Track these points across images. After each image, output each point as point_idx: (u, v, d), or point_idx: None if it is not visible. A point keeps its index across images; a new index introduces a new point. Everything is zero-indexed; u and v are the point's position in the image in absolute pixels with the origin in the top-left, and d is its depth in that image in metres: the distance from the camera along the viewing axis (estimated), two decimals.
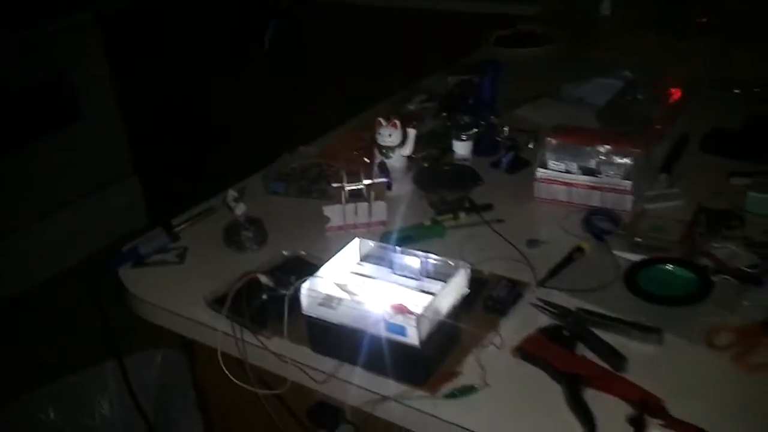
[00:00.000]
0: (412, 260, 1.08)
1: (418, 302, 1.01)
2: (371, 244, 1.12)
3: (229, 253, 1.32)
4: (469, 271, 1.04)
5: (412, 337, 0.94)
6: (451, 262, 1.05)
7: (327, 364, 1.03)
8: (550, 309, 1.09)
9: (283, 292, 1.14)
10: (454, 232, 1.33)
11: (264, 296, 1.14)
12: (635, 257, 1.18)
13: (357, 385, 1.00)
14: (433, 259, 1.07)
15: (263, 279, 1.14)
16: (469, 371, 0.99)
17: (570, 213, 1.34)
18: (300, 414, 1.16)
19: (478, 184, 1.39)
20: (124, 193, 3.36)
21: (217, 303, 1.15)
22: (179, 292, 1.23)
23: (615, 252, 1.20)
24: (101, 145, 3.24)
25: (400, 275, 1.09)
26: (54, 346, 2.51)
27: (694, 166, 1.49)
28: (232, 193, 1.43)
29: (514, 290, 1.13)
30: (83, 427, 1.91)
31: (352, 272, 1.11)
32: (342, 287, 1.05)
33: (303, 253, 1.27)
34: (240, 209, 1.41)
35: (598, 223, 1.29)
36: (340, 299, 1.02)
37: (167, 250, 1.33)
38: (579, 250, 1.22)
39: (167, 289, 1.24)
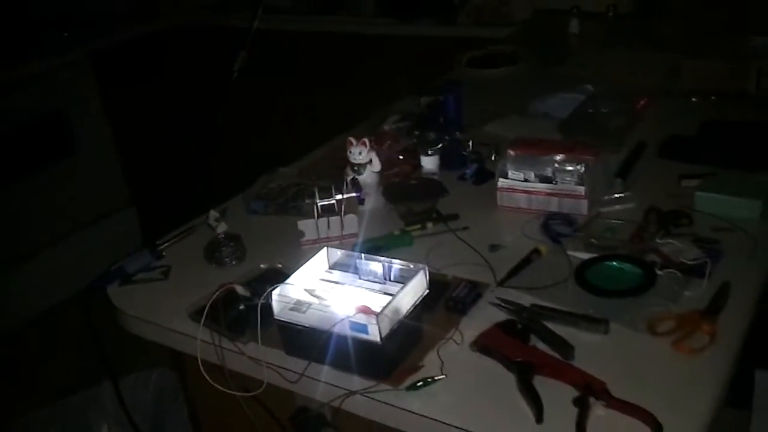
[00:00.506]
0: (376, 266, 1.16)
1: (381, 303, 1.09)
2: (339, 252, 1.20)
3: (211, 269, 1.40)
4: (427, 272, 1.12)
5: (374, 335, 1.02)
6: (411, 266, 1.13)
7: (299, 364, 1.10)
8: (507, 306, 1.16)
9: (261, 300, 1.23)
10: (422, 240, 1.41)
11: (242, 306, 1.22)
12: (587, 256, 1.26)
13: (326, 383, 1.07)
14: (394, 263, 1.15)
15: (239, 289, 1.22)
16: (430, 365, 1.07)
17: (530, 219, 1.43)
18: (284, 420, 1.23)
19: (443, 195, 1.47)
20: (121, 224, 3.45)
21: (197, 314, 1.23)
22: (164, 306, 1.31)
23: (569, 252, 1.28)
24: (98, 178, 3.34)
25: (365, 280, 1.17)
26: (57, 370, 2.58)
27: (650, 172, 1.58)
28: (213, 214, 1.52)
29: (474, 291, 1.20)
30: None
31: (321, 279, 1.18)
32: (311, 292, 1.13)
33: (279, 265, 1.35)
34: (221, 228, 1.50)
35: (556, 227, 1.37)
36: (309, 303, 1.10)
37: (152, 268, 1.41)
38: (536, 252, 1.30)
39: (152, 304, 1.32)
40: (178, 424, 1.98)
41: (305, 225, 1.42)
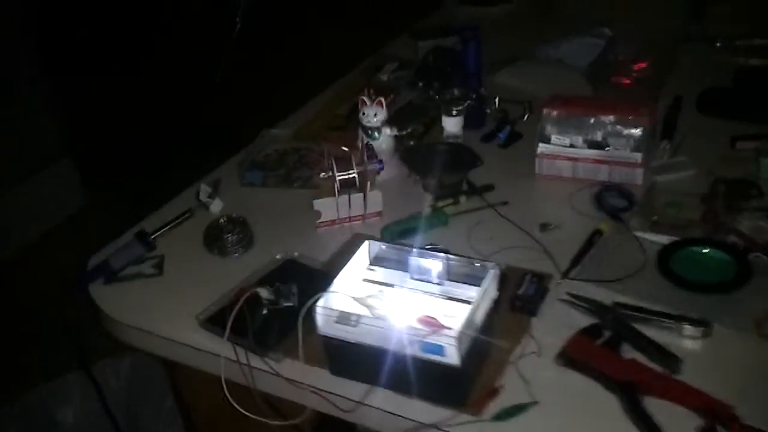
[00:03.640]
0: (432, 262, 0.97)
1: (446, 312, 0.91)
2: (383, 246, 1.01)
3: (212, 259, 1.19)
4: (498, 272, 0.94)
5: (452, 356, 0.84)
6: (477, 263, 0.95)
7: (348, 387, 0.92)
8: (584, 305, 1.00)
9: (286, 303, 1.03)
10: (458, 219, 1.22)
11: (264, 311, 1.02)
12: (659, 238, 1.11)
13: (388, 412, 0.89)
14: (455, 260, 0.96)
15: (264, 294, 1.02)
16: (511, 385, 0.90)
17: (577, 190, 1.26)
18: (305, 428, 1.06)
19: (477, 164, 1.28)
20: (58, 177, 3.12)
21: (211, 323, 1.03)
22: (163, 309, 1.09)
23: (637, 233, 1.12)
24: (29, 130, 2.98)
25: (418, 280, 0.98)
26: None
27: (693, 130, 1.42)
28: (205, 188, 1.30)
29: (541, 285, 1.03)
30: None
31: (364, 279, 0.99)
32: (359, 300, 0.93)
33: (296, 254, 1.15)
34: (216, 206, 1.28)
35: (611, 200, 1.21)
36: (358, 315, 0.90)
37: (142, 260, 1.18)
38: (598, 233, 1.14)
39: (149, 307, 1.10)
40: (158, 413, 1.78)
41: (322, 204, 1.22)
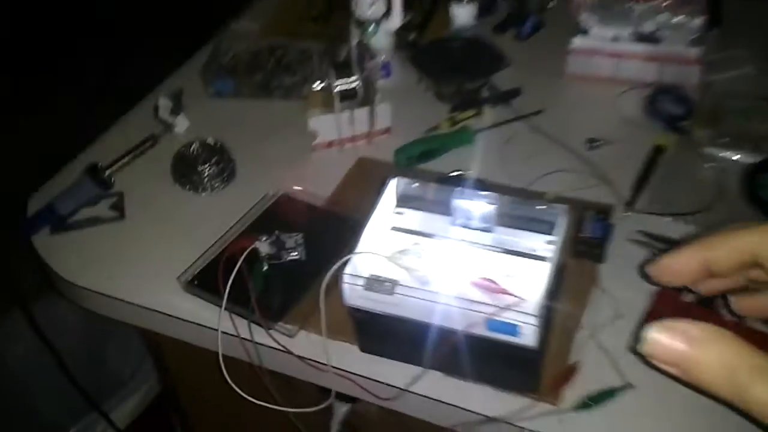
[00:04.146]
0: (480, 204, 0.76)
1: (505, 270, 0.71)
2: (413, 184, 0.79)
3: (184, 196, 0.96)
4: (569, 217, 0.74)
5: (528, 337, 0.65)
6: (541, 204, 0.75)
7: (382, 365, 0.73)
8: (662, 245, 0.82)
9: (290, 257, 0.82)
10: (484, 135, 1.01)
11: (265, 267, 0.81)
12: (736, 155, 0.92)
13: (439, 401, 0.71)
14: (512, 199, 0.76)
15: (264, 248, 0.81)
16: (588, 360, 0.72)
17: (621, 94, 1.05)
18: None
19: (503, 66, 1.06)
20: None
21: (197, 285, 0.81)
22: (130, 265, 0.87)
23: (708, 150, 0.93)
24: None
25: (462, 226, 0.77)
26: None
27: (738, 17, 1.21)
28: (164, 102, 1.05)
29: (605, 222, 0.84)
30: None
31: (393, 228, 0.78)
32: (393, 260, 0.73)
33: (293, 188, 0.93)
34: (182, 125, 1.04)
35: (667, 105, 1.01)
36: (394, 281, 0.70)
37: (95, 201, 0.94)
38: (659, 149, 0.94)
39: (112, 263, 0.88)
40: (126, 356, 1.59)
41: (320, 123, 0.98)
